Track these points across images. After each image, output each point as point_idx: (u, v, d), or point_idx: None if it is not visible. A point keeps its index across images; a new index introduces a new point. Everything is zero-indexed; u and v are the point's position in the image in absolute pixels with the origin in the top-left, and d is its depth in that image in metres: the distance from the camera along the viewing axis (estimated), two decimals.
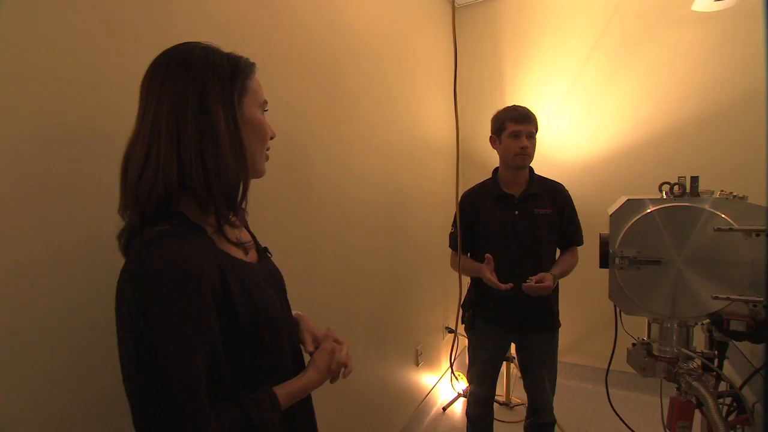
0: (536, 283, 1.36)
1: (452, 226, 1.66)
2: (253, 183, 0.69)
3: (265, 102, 0.66)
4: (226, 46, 0.63)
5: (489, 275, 1.40)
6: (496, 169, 1.60)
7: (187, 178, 0.55)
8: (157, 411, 0.48)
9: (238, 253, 0.64)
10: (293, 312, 0.80)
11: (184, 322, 0.50)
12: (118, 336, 0.51)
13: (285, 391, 0.63)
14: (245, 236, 0.71)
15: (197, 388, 0.50)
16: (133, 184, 0.55)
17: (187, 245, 0.54)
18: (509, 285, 1.36)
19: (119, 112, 0.75)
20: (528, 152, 1.47)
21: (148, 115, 0.56)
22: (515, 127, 1.48)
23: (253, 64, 0.64)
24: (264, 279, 0.66)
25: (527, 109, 1.51)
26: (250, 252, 0.70)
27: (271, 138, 0.67)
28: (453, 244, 1.64)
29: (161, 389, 0.48)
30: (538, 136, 1.53)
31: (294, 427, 0.68)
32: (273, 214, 1.20)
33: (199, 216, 0.59)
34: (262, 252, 0.75)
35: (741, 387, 0.86)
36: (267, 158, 0.67)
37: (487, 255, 1.42)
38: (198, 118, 0.55)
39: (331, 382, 0.72)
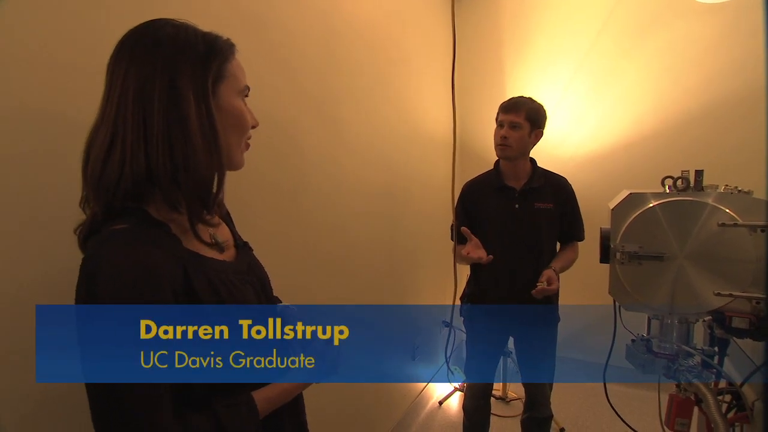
0: (547, 285, 1.33)
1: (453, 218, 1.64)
2: (246, 176, 0.66)
3: (247, 88, 0.60)
4: (215, 31, 0.58)
5: (470, 248, 1.37)
6: (498, 161, 1.57)
7: (153, 171, 0.50)
8: (113, 424, 0.46)
9: (209, 252, 0.60)
10: (281, 305, 0.77)
11: None
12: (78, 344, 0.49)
13: (264, 396, 0.60)
14: (222, 233, 0.67)
15: (155, 399, 0.47)
16: (95, 175, 0.51)
17: (144, 245, 0.50)
18: (489, 257, 1.35)
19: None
20: (509, 143, 1.42)
21: (113, 99, 0.51)
22: (500, 115, 1.46)
23: (232, 46, 0.58)
24: (239, 276, 0.62)
25: (522, 98, 1.46)
26: (228, 250, 0.66)
27: (253, 127, 0.62)
28: (453, 235, 1.62)
29: (116, 401, 0.46)
30: None
31: (281, 430, 0.65)
32: (264, 207, 1.18)
33: (167, 214, 0.55)
34: (242, 247, 0.70)
35: (741, 384, 0.85)
36: (247, 147, 0.62)
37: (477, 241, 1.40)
38: (166, 106, 0.50)
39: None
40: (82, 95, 0.73)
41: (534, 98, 1.48)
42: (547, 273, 1.36)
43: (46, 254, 0.69)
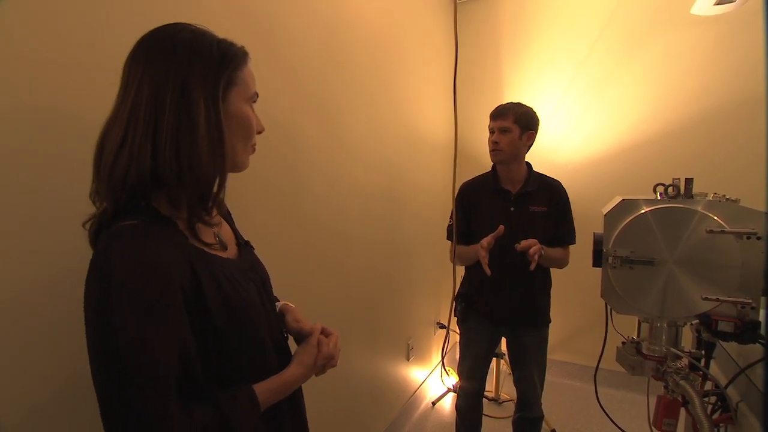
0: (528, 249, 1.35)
1: (450, 219, 1.67)
2: (245, 176, 0.67)
3: (255, 95, 0.62)
4: (217, 33, 0.60)
5: (482, 251, 1.39)
6: (494, 164, 1.60)
7: (158, 169, 0.52)
8: (124, 417, 0.47)
9: (213, 249, 0.61)
10: (281, 303, 0.79)
11: (151, 322, 0.48)
12: (86, 336, 0.49)
13: (265, 388, 0.61)
14: (224, 231, 0.68)
15: (165, 393, 0.48)
16: (106, 168, 0.52)
17: (154, 241, 0.51)
18: (488, 272, 1.38)
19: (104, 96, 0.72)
20: (500, 147, 1.47)
21: (128, 97, 0.53)
22: (490, 124, 1.52)
23: (245, 54, 0.60)
24: (242, 274, 0.64)
25: (509, 104, 1.51)
26: (230, 247, 0.67)
27: (259, 133, 0.64)
28: (451, 236, 1.65)
29: (127, 395, 0.46)
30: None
31: (283, 426, 0.66)
32: (264, 208, 1.19)
33: (172, 211, 0.56)
34: (244, 246, 0.72)
35: (726, 386, 0.87)
36: (253, 151, 0.64)
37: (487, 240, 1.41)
38: (177, 108, 0.52)
39: (317, 375, 0.71)
40: (85, 95, 0.74)
41: (522, 103, 1.52)
42: (523, 242, 1.36)
43: (45, 254, 0.70)
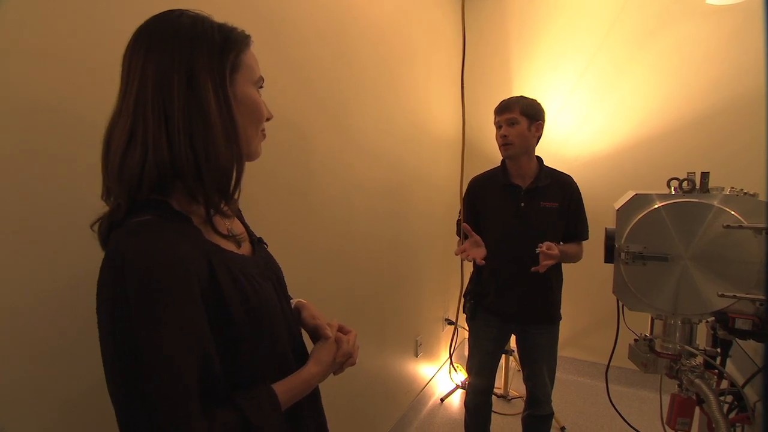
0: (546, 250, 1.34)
1: (459, 214, 1.65)
2: (253, 171, 0.66)
3: (261, 79, 0.60)
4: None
5: (466, 246, 1.41)
6: (504, 159, 1.58)
7: (176, 161, 0.50)
8: (143, 420, 0.45)
9: (229, 246, 0.59)
10: (295, 300, 0.78)
11: (170, 321, 0.46)
12: (100, 339, 0.47)
13: (285, 388, 0.59)
14: (237, 227, 0.67)
15: (186, 397, 0.46)
16: (116, 166, 0.50)
17: (170, 236, 0.49)
18: (482, 261, 1.40)
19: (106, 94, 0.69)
20: (510, 141, 1.45)
21: (132, 89, 0.50)
22: (496, 118, 1.50)
23: (247, 37, 0.58)
24: (258, 271, 0.62)
25: (513, 97, 1.49)
26: (244, 244, 0.65)
27: (267, 119, 0.62)
28: (459, 231, 1.64)
29: (146, 400, 0.44)
30: (545, 127, 1.50)
31: (304, 427, 0.65)
32: (272, 204, 1.19)
33: (187, 205, 0.55)
34: (257, 243, 0.70)
35: (743, 385, 0.85)
36: (264, 137, 0.62)
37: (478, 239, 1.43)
38: (186, 96, 0.50)
39: (335, 374, 0.69)
40: (88, 92, 0.74)
41: (525, 95, 1.50)
42: (547, 243, 1.36)
43: (58, 260, 0.70)
